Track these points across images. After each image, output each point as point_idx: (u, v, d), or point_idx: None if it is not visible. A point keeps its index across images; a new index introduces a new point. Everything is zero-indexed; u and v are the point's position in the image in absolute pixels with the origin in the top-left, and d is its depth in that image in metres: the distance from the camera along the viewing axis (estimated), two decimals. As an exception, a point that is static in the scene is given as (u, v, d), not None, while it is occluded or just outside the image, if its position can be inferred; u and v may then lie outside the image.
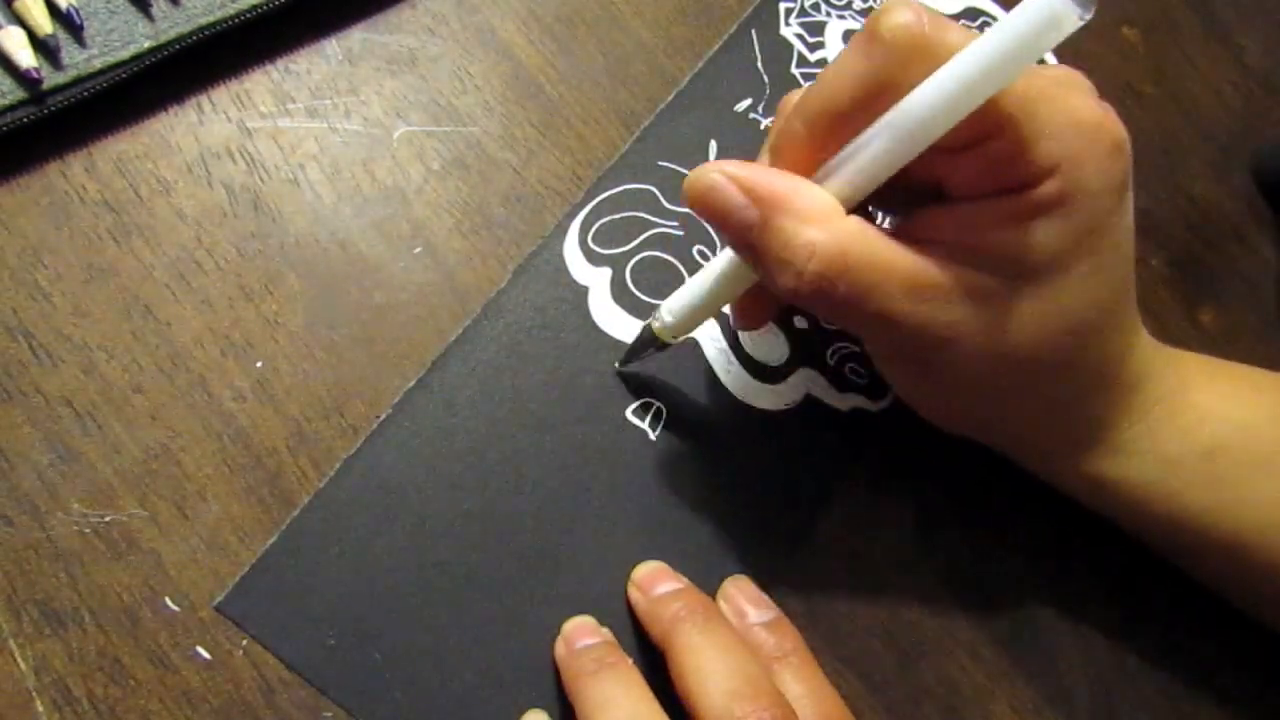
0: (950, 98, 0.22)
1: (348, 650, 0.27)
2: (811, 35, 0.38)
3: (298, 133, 0.31)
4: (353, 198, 0.31)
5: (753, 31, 0.37)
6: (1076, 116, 0.24)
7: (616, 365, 0.31)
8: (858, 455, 0.32)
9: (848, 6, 0.39)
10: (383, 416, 0.29)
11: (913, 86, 0.23)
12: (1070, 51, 0.40)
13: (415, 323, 0.30)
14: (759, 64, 0.37)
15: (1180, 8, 0.43)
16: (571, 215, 0.33)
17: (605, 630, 0.28)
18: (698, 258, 0.33)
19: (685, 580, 0.29)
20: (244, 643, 0.26)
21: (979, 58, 0.22)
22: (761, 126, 0.36)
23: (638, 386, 0.31)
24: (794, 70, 0.37)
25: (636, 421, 0.31)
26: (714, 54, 0.36)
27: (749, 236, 0.25)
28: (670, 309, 0.29)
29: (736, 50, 0.37)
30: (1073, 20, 0.21)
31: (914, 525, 0.32)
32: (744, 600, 0.29)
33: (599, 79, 0.35)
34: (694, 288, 0.28)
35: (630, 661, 0.27)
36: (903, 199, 0.26)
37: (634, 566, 0.29)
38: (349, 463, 0.28)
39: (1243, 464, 0.28)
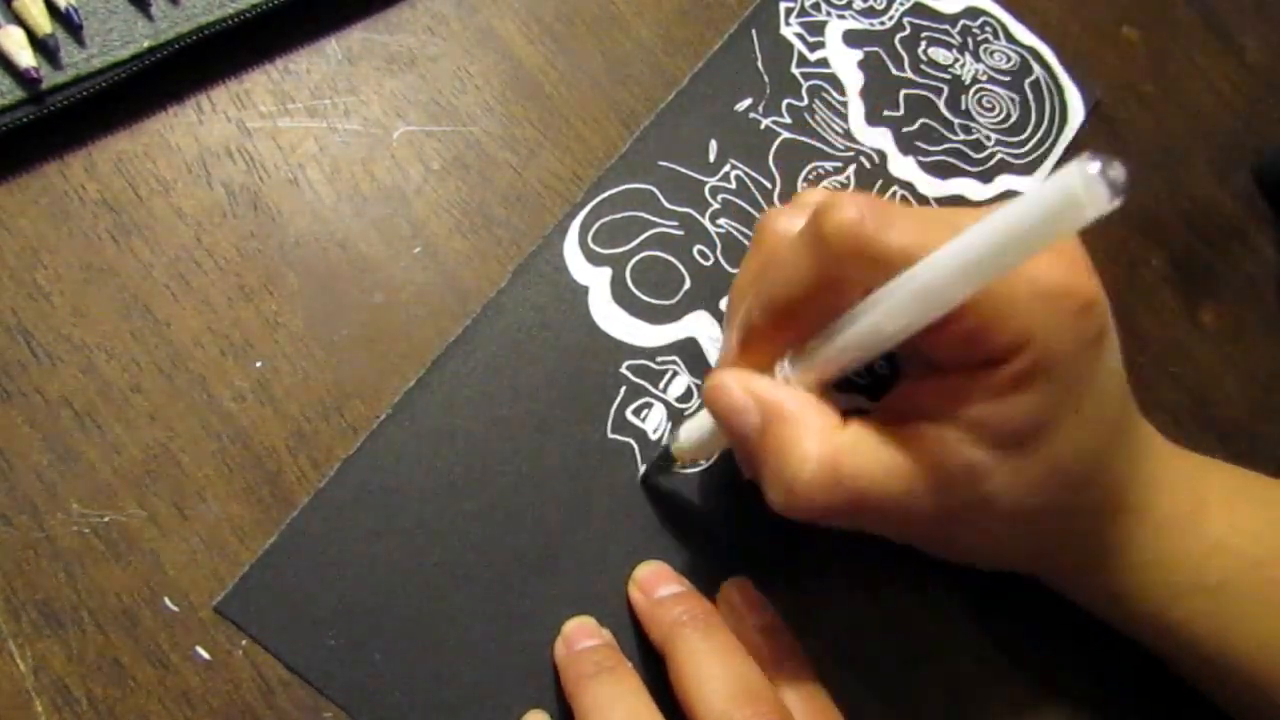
0: (970, 266, 0.21)
1: (348, 650, 0.27)
2: (811, 35, 0.38)
3: (297, 133, 0.31)
4: (353, 198, 0.31)
5: (753, 31, 0.37)
6: (1038, 286, 0.23)
7: (639, 478, 0.30)
8: (858, 455, 0.32)
9: (848, 6, 0.39)
10: (383, 416, 0.29)
11: (855, 284, 0.24)
12: (1071, 52, 0.40)
13: (415, 323, 0.30)
14: (759, 64, 0.37)
15: (1180, 8, 0.43)
16: (571, 215, 0.33)
17: (605, 632, 0.28)
18: (698, 258, 0.33)
19: (687, 583, 0.29)
20: (244, 643, 0.26)
21: (1006, 225, 0.20)
22: (762, 126, 0.36)
23: (638, 390, 0.31)
24: (794, 70, 0.37)
25: (637, 421, 0.31)
26: (714, 54, 0.36)
27: (750, 442, 0.25)
28: (683, 436, 0.29)
29: (736, 50, 0.37)
30: (1099, 206, 0.18)
31: (914, 525, 0.32)
32: (743, 603, 0.29)
33: (599, 79, 0.35)
34: (705, 421, 0.28)
35: (629, 665, 0.27)
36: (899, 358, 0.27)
37: (634, 566, 0.29)
38: (349, 463, 0.28)
39: (1250, 600, 0.28)
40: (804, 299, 0.24)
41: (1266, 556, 0.28)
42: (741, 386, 0.25)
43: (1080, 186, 0.18)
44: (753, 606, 0.29)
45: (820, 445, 0.24)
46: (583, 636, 0.28)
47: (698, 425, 0.28)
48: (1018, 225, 0.20)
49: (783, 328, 0.25)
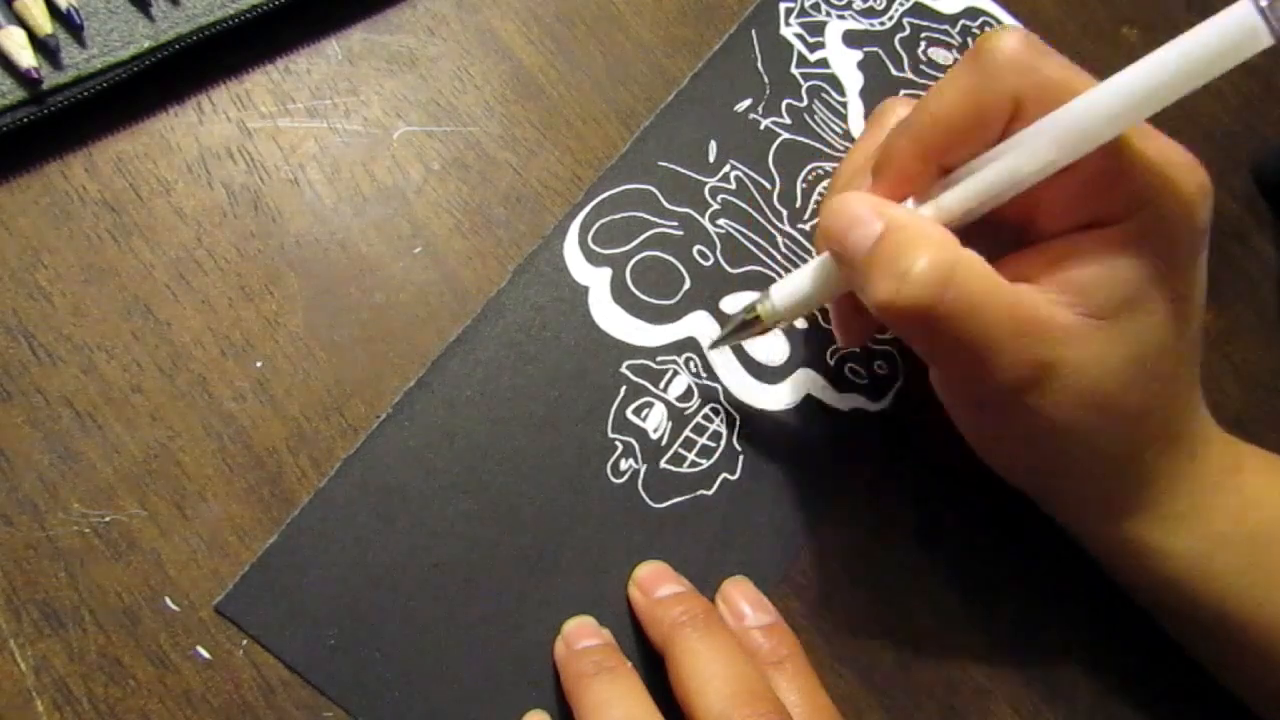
0: (1127, 104, 0.22)
1: (348, 650, 0.27)
2: (811, 35, 0.38)
3: (298, 133, 0.31)
4: (353, 198, 0.31)
5: (753, 31, 0.37)
6: (1168, 155, 0.24)
7: (709, 344, 0.31)
8: (858, 455, 0.32)
9: (848, 6, 0.39)
10: (383, 416, 0.29)
11: (1017, 105, 0.24)
12: (1071, 51, 0.40)
13: (415, 323, 0.30)
14: (759, 64, 0.37)
15: (1180, 8, 0.43)
16: (571, 215, 0.33)
17: (605, 631, 0.28)
18: (698, 258, 0.33)
19: (686, 583, 0.29)
20: (244, 643, 0.26)
21: (1164, 65, 0.21)
22: (761, 127, 0.36)
23: (638, 389, 0.31)
24: (794, 70, 0.37)
25: (637, 421, 0.31)
26: (714, 54, 0.36)
27: (862, 253, 0.25)
28: (780, 295, 0.29)
29: (736, 50, 0.37)
30: (1264, 40, 0.20)
31: (913, 525, 0.32)
32: (743, 602, 0.29)
33: (599, 79, 0.35)
34: (805, 277, 0.28)
35: (629, 665, 0.27)
36: (991, 243, 0.27)
37: (634, 566, 0.29)
38: (349, 463, 0.28)
39: None
40: (959, 124, 0.25)
41: None
42: (866, 201, 0.25)
43: (1257, 20, 0.20)
44: (753, 605, 0.29)
45: (939, 250, 0.24)
46: (583, 636, 0.28)
47: (795, 284, 0.28)
48: (1192, 56, 0.21)
49: (929, 156, 0.25)
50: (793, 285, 0.28)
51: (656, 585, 0.28)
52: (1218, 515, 0.28)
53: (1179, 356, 0.26)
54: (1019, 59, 0.24)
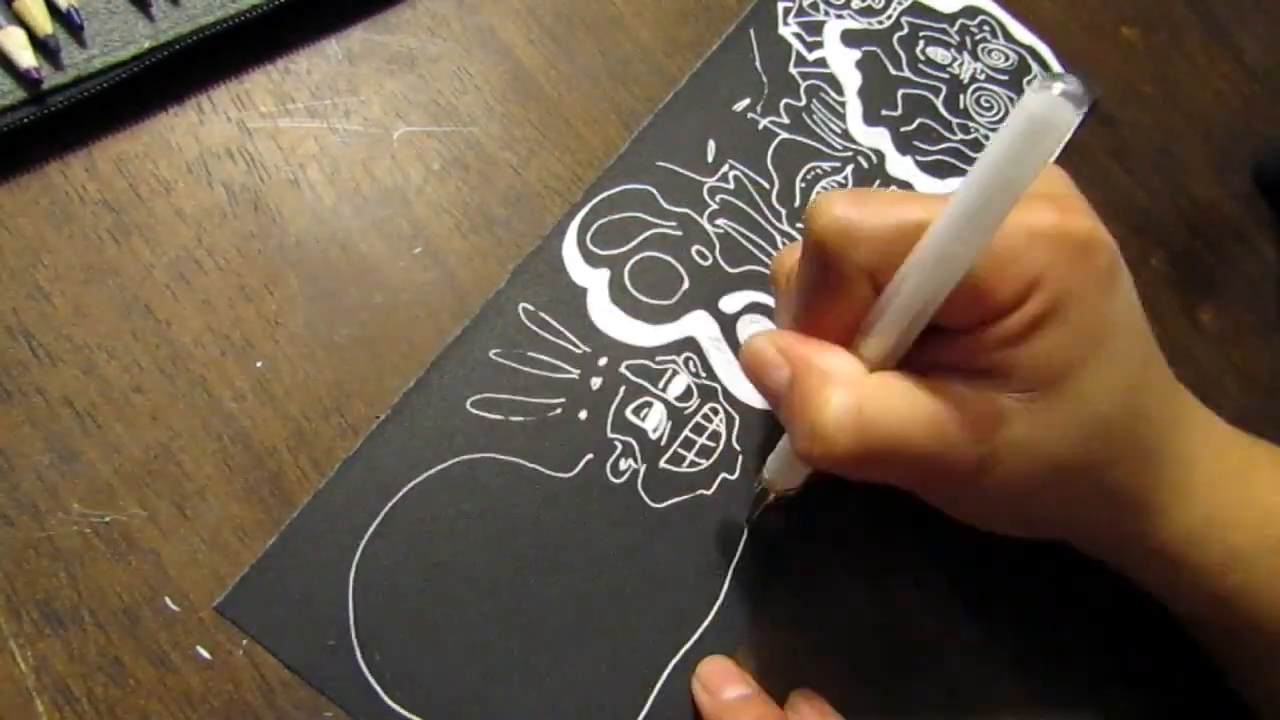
0: (966, 228, 0.22)
1: (348, 650, 0.27)
2: (810, 35, 0.38)
3: (298, 133, 0.31)
4: (353, 198, 0.31)
5: (751, 31, 0.37)
6: (1033, 229, 0.24)
7: (747, 522, 0.30)
8: (857, 455, 0.32)
9: (845, 6, 0.39)
10: (383, 416, 0.29)
11: (867, 271, 0.24)
12: (1070, 51, 0.40)
13: (415, 323, 0.30)
14: (757, 64, 0.37)
15: (1180, 8, 0.43)
16: (571, 215, 0.33)
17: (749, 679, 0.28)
18: (696, 258, 0.33)
19: (752, 682, 0.28)
20: (244, 643, 0.26)
21: (981, 184, 0.21)
22: (760, 126, 0.36)
23: (638, 389, 0.31)
24: (792, 70, 0.37)
25: (637, 421, 0.31)
26: (713, 54, 0.36)
27: (781, 396, 0.25)
28: (768, 469, 0.29)
29: (735, 50, 0.37)
30: (1068, 118, 0.20)
31: (913, 524, 0.32)
32: (814, 714, 0.28)
33: (599, 79, 0.35)
34: (781, 445, 0.28)
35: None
36: None
37: (633, 566, 0.29)
38: (349, 463, 0.28)
39: None
40: (823, 301, 0.25)
41: None
42: (772, 343, 0.26)
43: (1047, 108, 0.20)
44: (822, 715, 0.28)
45: (845, 392, 0.24)
46: (728, 682, 0.28)
47: (775, 452, 0.28)
48: (1003, 163, 0.21)
49: (821, 333, 0.26)
50: (777, 458, 0.28)
51: (723, 686, 0.28)
52: (1234, 528, 0.27)
53: (1128, 397, 0.25)
54: (847, 231, 0.24)
